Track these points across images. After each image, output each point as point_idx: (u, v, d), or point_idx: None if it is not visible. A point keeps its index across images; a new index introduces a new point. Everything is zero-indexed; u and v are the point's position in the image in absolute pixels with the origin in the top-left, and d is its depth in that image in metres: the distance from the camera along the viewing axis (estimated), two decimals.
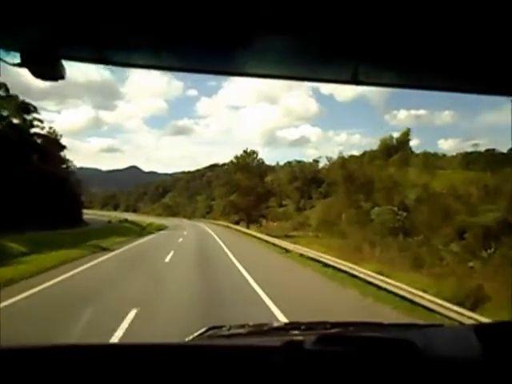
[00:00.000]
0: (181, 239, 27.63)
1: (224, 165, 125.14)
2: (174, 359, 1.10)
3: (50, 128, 41.23)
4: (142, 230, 40.85)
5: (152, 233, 37.84)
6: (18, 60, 0.91)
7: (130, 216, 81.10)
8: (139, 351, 1.15)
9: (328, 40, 0.98)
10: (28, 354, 1.11)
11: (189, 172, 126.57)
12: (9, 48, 0.92)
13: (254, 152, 54.57)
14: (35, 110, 37.37)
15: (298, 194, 65.49)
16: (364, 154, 49.37)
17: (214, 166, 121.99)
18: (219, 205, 76.60)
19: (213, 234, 34.57)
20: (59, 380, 1.01)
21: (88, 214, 69.70)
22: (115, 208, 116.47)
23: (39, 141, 37.56)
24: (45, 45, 0.91)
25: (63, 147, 43.84)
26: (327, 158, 76.37)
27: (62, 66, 0.96)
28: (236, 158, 53.55)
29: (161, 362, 1.05)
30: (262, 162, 56.10)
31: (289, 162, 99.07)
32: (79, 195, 50.19)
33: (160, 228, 47.94)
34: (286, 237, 28.80)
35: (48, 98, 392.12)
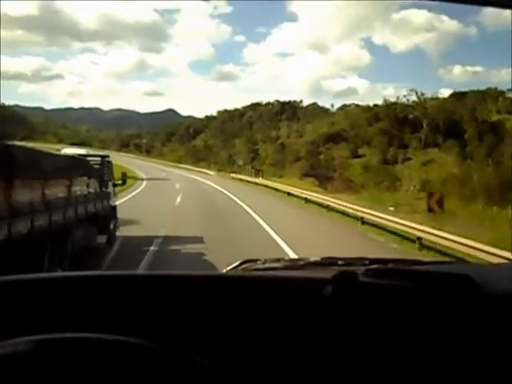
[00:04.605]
0: None
1: (268, 104, 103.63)
2: (215, 289, 1.06)
3: None
4: None
5: None
6: None
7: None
8: (176, 280, 1.11)
9: None
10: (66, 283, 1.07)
11: (225, 110, 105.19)
12: None
13: None
14: None
15: (384, 139, 44.02)
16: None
17: (255, 105, 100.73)
18: (267, 150, 55.33)
19: None
20: (96, 309, 0.98)
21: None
22: (137, 149, 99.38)
23: None
24: None
25: None
26: (417, 92, 53.34)
27: None
28: None
29: (200, 292, 1.03)
30: None
31: (346, 105, 76.67)
32: None
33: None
34: None
35: (96, 39, 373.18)
